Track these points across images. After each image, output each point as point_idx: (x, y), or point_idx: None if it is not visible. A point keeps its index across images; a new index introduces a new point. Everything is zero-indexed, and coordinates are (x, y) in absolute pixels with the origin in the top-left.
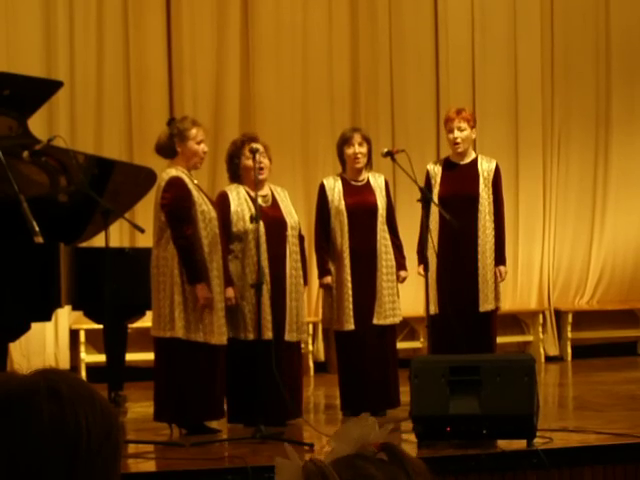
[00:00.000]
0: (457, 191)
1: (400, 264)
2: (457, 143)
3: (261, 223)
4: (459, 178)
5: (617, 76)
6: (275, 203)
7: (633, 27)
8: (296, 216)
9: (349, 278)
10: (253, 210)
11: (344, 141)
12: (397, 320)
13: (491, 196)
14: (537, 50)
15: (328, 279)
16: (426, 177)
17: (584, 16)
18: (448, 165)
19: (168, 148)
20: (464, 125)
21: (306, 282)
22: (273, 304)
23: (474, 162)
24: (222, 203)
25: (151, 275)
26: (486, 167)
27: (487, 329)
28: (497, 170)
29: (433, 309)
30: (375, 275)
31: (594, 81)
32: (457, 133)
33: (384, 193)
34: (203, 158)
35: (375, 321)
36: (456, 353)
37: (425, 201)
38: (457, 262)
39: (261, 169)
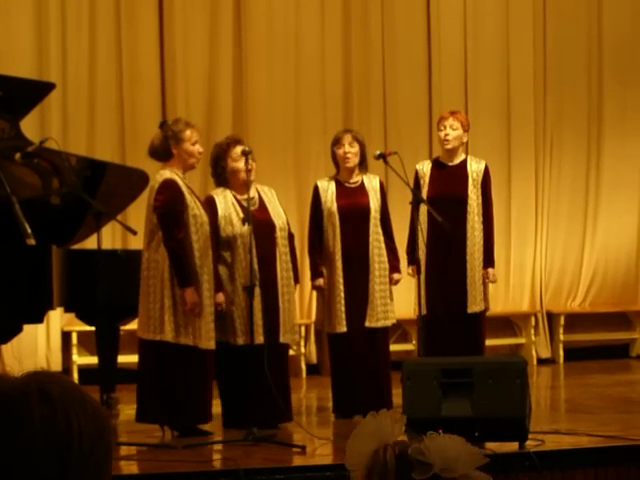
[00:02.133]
0: (446, 192)
1: (394, 267)
2: (447, 140)
3: (250, 226)
4: (448, 179)
5: (609, 77)
6: (262, 205)
7: (625, 28)
8: (284, 216)
9: (341, 280)
10: (241, 214)
11: (335, 142)
12: (389, 323)
13: (480, 197)
14: (529, 51)
15: (320, 281)
16: (415, 177)
17: (576, 17)
18: (437, 165)
19: (163, 151)
20: (457, 125)
21: (297, 281)
22: (265, 307)
23: (463, 163)
24: (209, 208)
25: (141, 277)
26: (475, 168)
27: (476, 331)
28: (486, 171)
29: (420, 310)
30: (367, 277)
31: (586, 82)
32: (449, 130)
33: (379, 195)
34: (199, 159)
35: (367, 324)
36: (445, 355)
37: (416, 203)
38: (446, 264)
39: (249, 171)
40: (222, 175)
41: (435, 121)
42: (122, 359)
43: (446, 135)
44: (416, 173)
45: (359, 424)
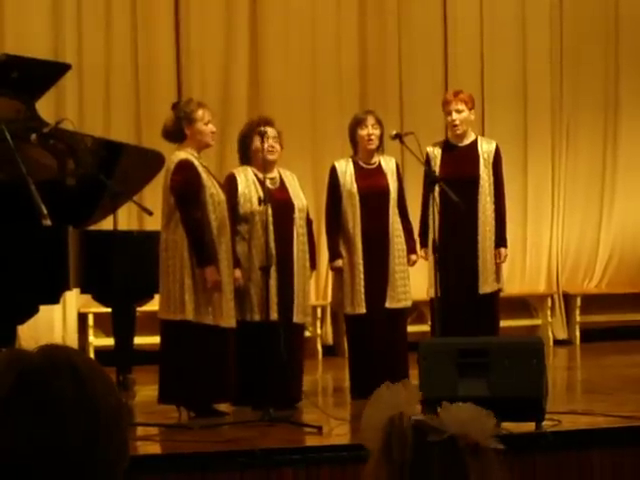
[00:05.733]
0: (457, 173)
1: (410, 247)
2: (455, 125)
3: (268, 205)
4: (459, 160)
5: (626, 61)
6: (283, 185)
7: None
8: (304, 200)
9: (361, 262)
10: (261, 192)
11: (357, 122)
12: (409, 304)
13: (491, 177)
14: (546, 35)
15: (339, 262)
16: (426, 159)
17: (593, 2)
18: (448, 147)
19: (176, 132)
20: (462, 107)
21: (314, 267)
22: (280, 286)
23: (474, 143)
24: (230, 184)
25: (160, 258)
26: (486, 149)
27: (488, 312)
28: (497, 151)
29: (434, 292)
30: (387, 258)
31: (603, 66)
32: (455, 115)
33: (395, 176)
34: (213, 137)
35: (388, 304)
36: (458, 335)
37: (431, 183)
38: (458, 244)
39: (269, 151)
40: (246, 153)
41: None
42: (139, 340)
43: (453, 121)
44: (427, 156)
45: (373, 394)
